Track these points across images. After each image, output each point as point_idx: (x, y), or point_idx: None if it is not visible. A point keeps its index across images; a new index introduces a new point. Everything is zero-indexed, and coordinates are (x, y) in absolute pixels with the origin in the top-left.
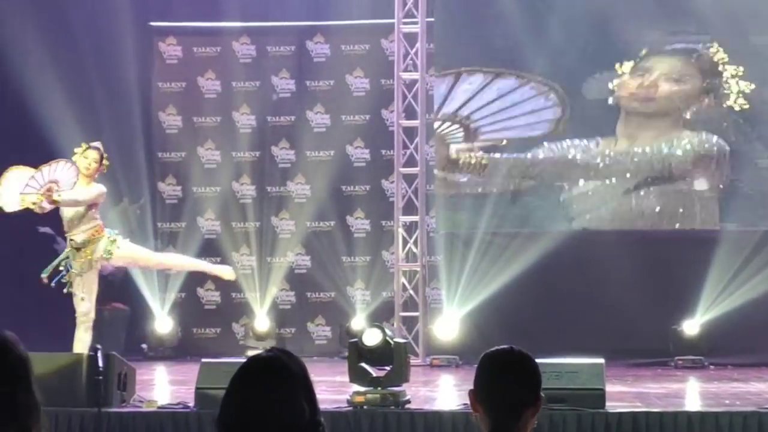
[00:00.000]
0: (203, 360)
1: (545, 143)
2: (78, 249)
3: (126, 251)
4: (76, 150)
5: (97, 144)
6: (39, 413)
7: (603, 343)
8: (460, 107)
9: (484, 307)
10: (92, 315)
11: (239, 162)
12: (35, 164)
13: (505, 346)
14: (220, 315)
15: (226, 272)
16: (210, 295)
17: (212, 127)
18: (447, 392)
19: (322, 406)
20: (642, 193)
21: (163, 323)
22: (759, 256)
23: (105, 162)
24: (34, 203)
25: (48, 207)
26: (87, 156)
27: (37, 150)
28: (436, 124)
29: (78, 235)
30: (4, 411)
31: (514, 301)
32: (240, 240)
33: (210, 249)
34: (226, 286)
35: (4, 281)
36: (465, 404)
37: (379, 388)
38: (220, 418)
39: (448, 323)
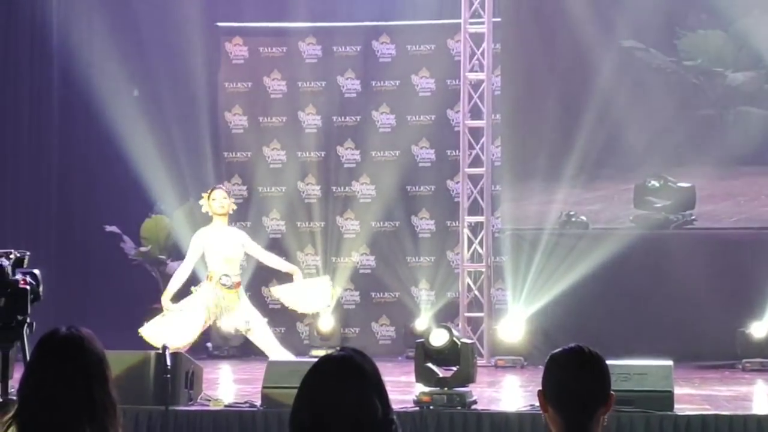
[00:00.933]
0: (269, 359)
1: None
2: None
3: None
4: (203, 195)
5: (220, 185)
6: (116, 412)
7: (670, 346)
8: None
9: (549, 308)
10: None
11: (305, 162)
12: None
13: (573, 345)
14: (284, 314)
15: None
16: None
17: (278, 127)
18: (512, 393)
19: None
20: None
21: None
22: None
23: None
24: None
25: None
26: (215, 197)
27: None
28: None
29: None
30: (82, 409)
31: (580, 303)
32: (305, 240)
33: (275, 248)
34: None
35: (72, 279)
36: (531, 405)
37: (446, 389)
38: (294, 417)
39: (513, 324)
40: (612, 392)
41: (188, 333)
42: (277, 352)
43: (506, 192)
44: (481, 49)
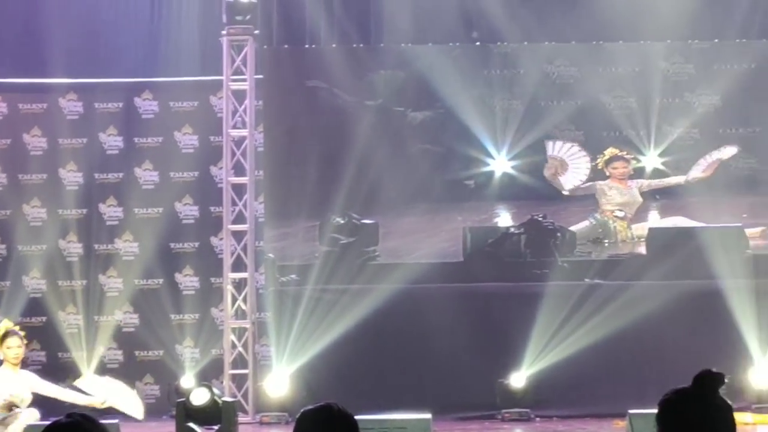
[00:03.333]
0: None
1: None
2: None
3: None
4: None
5: (14, 328)
6: None
7: (432, 398)
8: None
9: (313, 363)
10: None
11: (66, 219)
12: None
13: (323, 403)
14: (46, 375)
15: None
16: (35, 355)
17: (38, 184)
18: None
19: None
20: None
21: None
22: (582, 310)
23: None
24: None
25: None
26: (10, 345)
27: None
28: None
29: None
30: None
31: (344, 358)
32: (66, 298)
33: (35, 308)
34: (51, 345)
35: None
36: None
37: None
38: None
39: (278, 380)
40: None
41: None
42: None
43: (269, 248)
44: (243, 106)
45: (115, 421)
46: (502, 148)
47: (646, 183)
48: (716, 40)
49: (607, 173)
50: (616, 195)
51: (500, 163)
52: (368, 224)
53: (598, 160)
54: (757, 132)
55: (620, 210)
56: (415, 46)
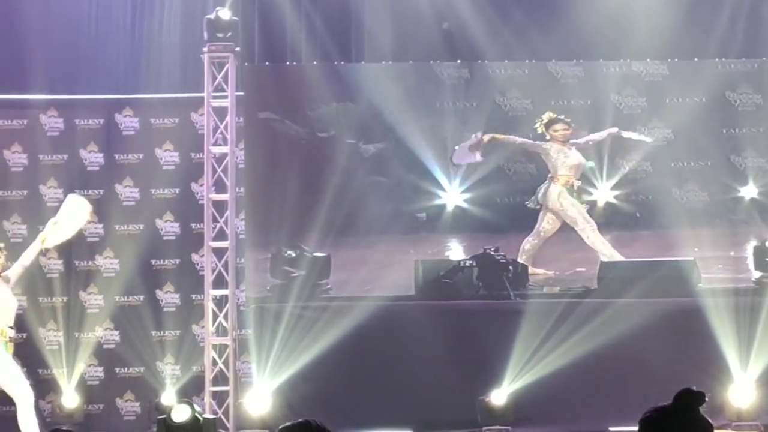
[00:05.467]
0: None
1: None
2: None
3: None
4: None
5: None
6: None
7: (412, 415)
8: None
9: (294, 381)
10: None
11: None
12: None
13: (301, 420)
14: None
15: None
16: None
17: (18, 200)
18: None
19: None
20: None
21: None
22: (563, 327)
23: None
24: None
25: None
26: None
27: None
28: None
29: None
30: None
31: (325, 374)
32: (47, 315)
33: (16, 324)
34: (32, 362)
35: None
36: None
37: None
38: None
39: (259, 397)
40: None
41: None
42: None
43: (250, 265)
44: (224, 123)
45: None
46: (454, 180)
47: (582, 141)
48: (696, 59)
49: (548, 137)
50: (564, 158)
51: (452, 196)
52: (320, 257)
53: (537, 125)
54: (709, 165)
55: (577, 180)
56: (372, 67)
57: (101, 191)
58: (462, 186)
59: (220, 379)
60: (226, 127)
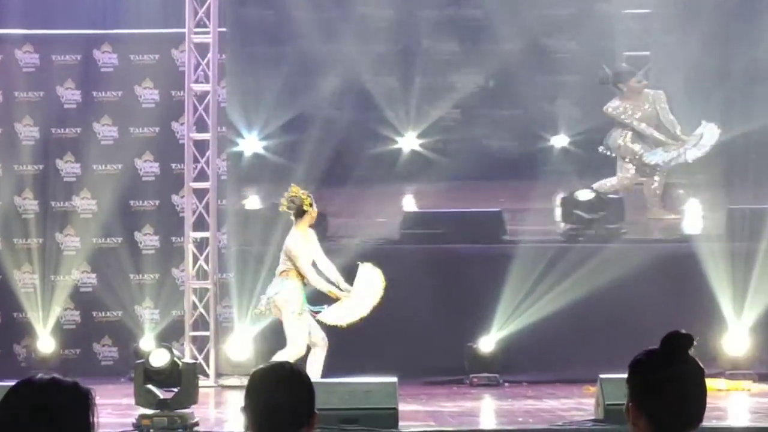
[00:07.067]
0: None
1: None
2: None
3: None
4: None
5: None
6: None
7: (398, 362)
8: None
9: (275, 326)
10: None
11: (21, 175)
12: None
13: (276, 362)
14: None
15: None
16: None
17: None
18: (237, 414)
19: (106, 430)
20: None
21: None
22: (553, 271)
23: None
24: None
25: None
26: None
27: None
28: None
29: None
30: None
31: None
32: (22, 257)
33: None
34: (6, 305)
35: None
36: None
37: (167, 411)
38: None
39: (240, 343)
40: (316, 411)
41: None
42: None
43: (232, 207)
44: (206, 60)
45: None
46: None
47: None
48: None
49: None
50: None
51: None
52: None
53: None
54: (517, 114)
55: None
56: None
57: (78, 129)
58: None
59: (200, 323)
60: (207, 64)
